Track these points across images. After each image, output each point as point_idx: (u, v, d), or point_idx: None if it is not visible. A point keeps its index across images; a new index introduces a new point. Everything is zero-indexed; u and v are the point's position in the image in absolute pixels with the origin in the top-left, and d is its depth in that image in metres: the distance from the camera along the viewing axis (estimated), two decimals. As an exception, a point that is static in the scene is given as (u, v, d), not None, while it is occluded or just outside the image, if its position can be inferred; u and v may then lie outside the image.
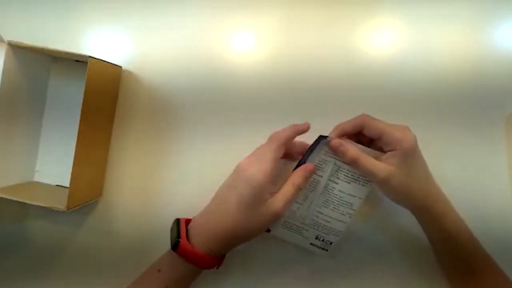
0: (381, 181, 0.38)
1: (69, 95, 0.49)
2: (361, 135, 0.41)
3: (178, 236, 0.38)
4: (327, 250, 0.43)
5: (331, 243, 0.43)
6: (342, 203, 0.41)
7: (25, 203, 0.41)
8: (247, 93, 0.47)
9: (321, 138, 0.39)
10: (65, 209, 0.41)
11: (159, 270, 0.39)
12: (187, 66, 0.47)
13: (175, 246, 0.37)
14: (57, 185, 0.49)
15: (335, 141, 0.39)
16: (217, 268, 0.40)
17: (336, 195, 0.41)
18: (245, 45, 0.47)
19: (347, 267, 0.46)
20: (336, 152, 0.39)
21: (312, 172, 0.40)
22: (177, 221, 0.41)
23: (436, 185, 0.40)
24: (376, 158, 0.38)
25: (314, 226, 0.42)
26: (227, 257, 0.41)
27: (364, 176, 0.40)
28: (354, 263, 0.46)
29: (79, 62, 0.48)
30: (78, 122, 0.40)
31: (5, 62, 0.42)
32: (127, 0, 0.48)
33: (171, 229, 0.40)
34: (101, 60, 0.42)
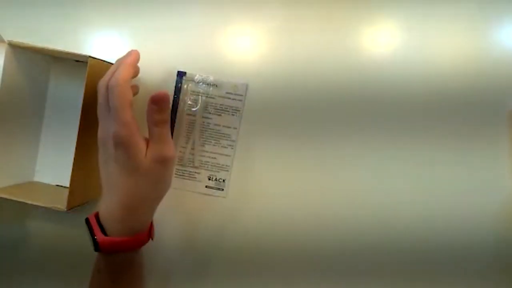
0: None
1: (69, 95, 0.49)
2: None
3: (92, 234, 0.36)
4: (222, 190, 0.45)
5: (223, 180, 0.44)
6: (221, 136, 0.43)
7: (25, 203, 0.41)
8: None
9: (181, 74, 0.38)
10: (65, 209, 0.41)
11: (99, 271, 0.38)
12: (186, 67, 0.47)
13: (96, 247, 0.36)
14: (57, 185, 0.49)
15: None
16: (152, 239, 0.39)
17: (213, 129, 0.43)
18: (245, 46, 0.47)
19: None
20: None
21: (166, 96, 0.36)
22: (86, 220, 0.38)
23: None
24: None
25: (204, 166, 0.44)
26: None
27: (231, 106, 0.42)
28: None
29: (79, 62, 0.48)
30: (78, 122, 0.40)
31: (5, 62, 0.42)
32: (127, 0, 0.48)
33: (87, 232, 0.38)
34: (101, 60, 0.42)
